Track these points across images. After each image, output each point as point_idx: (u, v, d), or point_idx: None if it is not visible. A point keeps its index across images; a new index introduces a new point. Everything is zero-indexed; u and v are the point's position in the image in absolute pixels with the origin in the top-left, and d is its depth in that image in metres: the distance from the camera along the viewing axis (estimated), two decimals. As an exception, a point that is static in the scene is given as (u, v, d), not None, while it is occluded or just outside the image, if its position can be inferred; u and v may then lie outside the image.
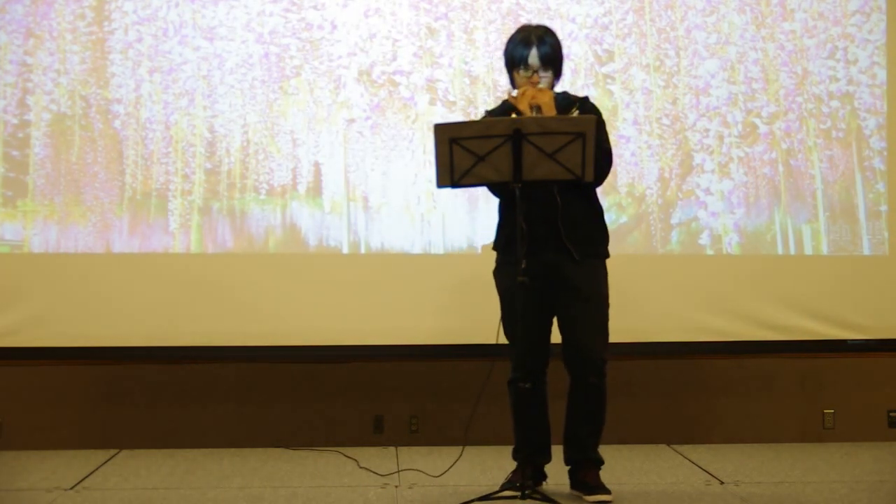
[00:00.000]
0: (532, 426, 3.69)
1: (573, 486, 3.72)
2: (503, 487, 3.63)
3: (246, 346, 4.50)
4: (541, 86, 3.60)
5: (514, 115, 3.54)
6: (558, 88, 3.77)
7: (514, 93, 3.61)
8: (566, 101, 3.69)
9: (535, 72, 3.60)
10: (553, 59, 3.63)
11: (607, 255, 3.72)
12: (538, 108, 3.50)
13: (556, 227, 3.59)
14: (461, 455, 3.91)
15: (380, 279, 4.55)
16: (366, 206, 4.58)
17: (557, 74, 3.69)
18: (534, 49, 3.60)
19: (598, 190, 4.56)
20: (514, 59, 3.65)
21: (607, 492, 3.66)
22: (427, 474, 3.97)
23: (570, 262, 3.61)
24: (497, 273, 3.76)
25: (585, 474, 3.69)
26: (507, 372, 3.73)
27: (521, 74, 3.62)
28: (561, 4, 4.64)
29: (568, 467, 3.75)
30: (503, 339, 3.66)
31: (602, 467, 3.74)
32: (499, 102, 3.84)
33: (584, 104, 3.70)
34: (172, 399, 4.58)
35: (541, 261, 3.55)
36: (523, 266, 3.43)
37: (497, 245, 3.76)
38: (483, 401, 3.91)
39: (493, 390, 3.83)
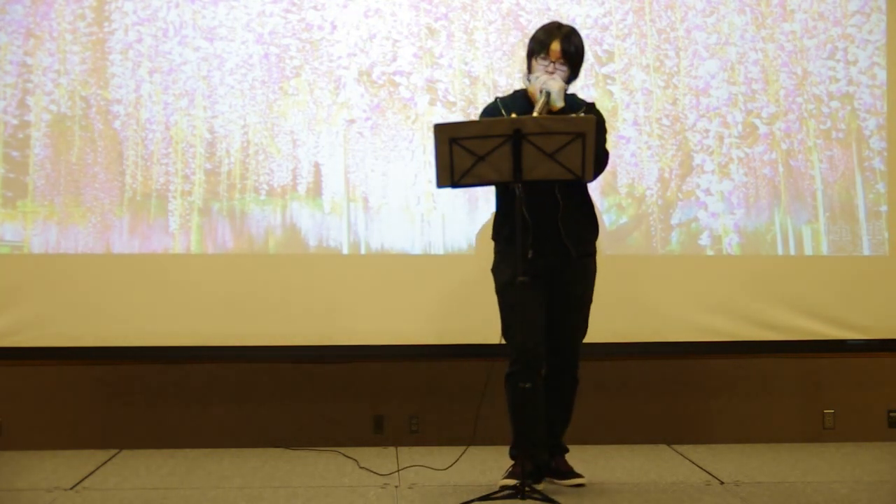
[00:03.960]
0: (531, 424, 3.70)
1: (547, 473, 3.81)
2: (502, 485, 3.64)
3: (246, 346, 4.51)
4: (555, 76, 3.64)
5: (513, 115, 3.56)
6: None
7: (531, 77, 3.68)
8: (574, 103, 3.74)
9: (553, 62, 3.64)
10: (573, 57, 3.70)
11: (596, 251, 3.83)
12: (547, 94, 3.55)
13: (556, 226, 3.63)
14: (464, 453, 3.93)
15: (380, 280, 4.55)
16: (366, 206, 4.58)
17: (574, 74, 3.75)
18: (557, 40, 3.67)
19: (598, 190, 4.61)
20: (536, 47, 3.72)
21: (580, 475, 3.82)
22: (431, 468, 3.97)
23: (567, 261, 3.69)
24: (497, 267, 3.80)
25: (558, 461, 3.83)
26: (499, 372, 3.78)
27: (539, 61, 3.68)
28: (561, 5, 4.64)
29: None
30: (492, 339, 3.75)
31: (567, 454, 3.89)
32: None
33: (589, 110, 3.76)
34: (172, 399, 4.58)
35: (541, 259, 3.59)
36: (527, 261, 3.49)
37: (499, 236, 3.80)
38: (484, 401, 3.91)
39: (493, 391, 3.84)
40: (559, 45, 3.67)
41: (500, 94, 3.94)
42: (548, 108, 3.58)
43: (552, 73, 3.65)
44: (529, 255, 3.54)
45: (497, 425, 3.99)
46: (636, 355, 4.65)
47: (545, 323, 3.73)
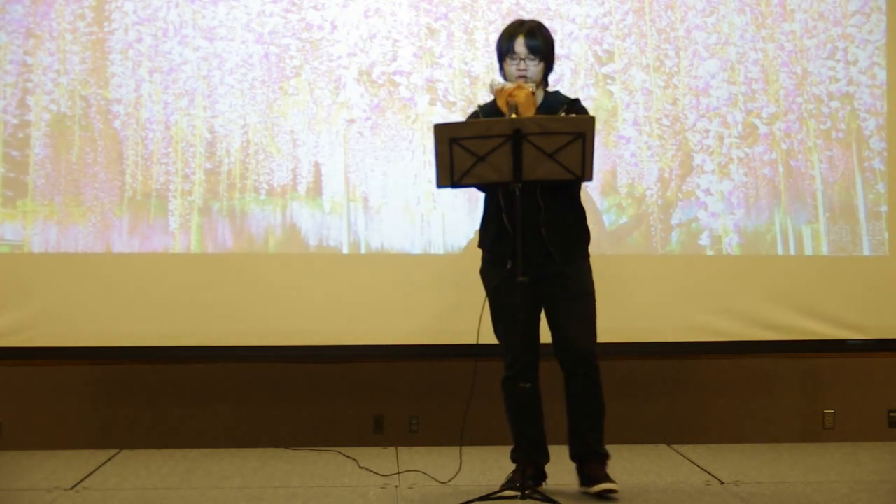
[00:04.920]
0: (530, 425, 3.69)
1: (581, 482, 3.73)
2: (503, 487, 3.63)
3: (246, 346, 4.51)
4: (528, 74, 3.62)
5: (513, 116, 3.55)
6: (553, 88, 3.79)
7: (496, 84, 3.64)
8: (555, 102, 3.71)
9: (523, 59, 3.62)
10: (541, 50, 3.65)
11: (588, 254, 3.76)
12: (515, 108, 3.51)
13: (539, 229, 3.61)
14: (461, 458, 3.92)
15: (380, 279, 4.55)
16: (366, 206, 4.58)
17: (548, 66, 3.71)
18: (520, 38, 3.64)
19: (598, 190, 4.60)
20: (502, 50, 3.69)
21: (612, 481, 3.68)
22: (433, 478, 3.96)
23: (553, 264, 3.65)
24: (484, 272, 3.78)
25: (591, 468, 3.71)
26: (497, 371, 3.76)
27: (510, 63, 3.66)
28: (561, 4, 4.64)
29: (575, 463, 3.76)
30: (485, 339, 3.70)
31: (608, 461, 3.75)
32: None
33: (573, 106, 3.71)
34: (172, 399, 4.58)
35: (526, 263, 3.54)
36: (516, 266, 3.45)
37: (483, 243, 3.79)
38: (482, 401, 3.91)
39: (491, 390, 3.83)
40: (524, 42, 3.63)
41: (481, 103, 3.88)
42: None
43: (524, 70, 3.61)
44: (508, 266, 3.51)
45: (495, 425, 3.99)
46: (636, 355, 4.65)
47: (541, 324, 3.72)
